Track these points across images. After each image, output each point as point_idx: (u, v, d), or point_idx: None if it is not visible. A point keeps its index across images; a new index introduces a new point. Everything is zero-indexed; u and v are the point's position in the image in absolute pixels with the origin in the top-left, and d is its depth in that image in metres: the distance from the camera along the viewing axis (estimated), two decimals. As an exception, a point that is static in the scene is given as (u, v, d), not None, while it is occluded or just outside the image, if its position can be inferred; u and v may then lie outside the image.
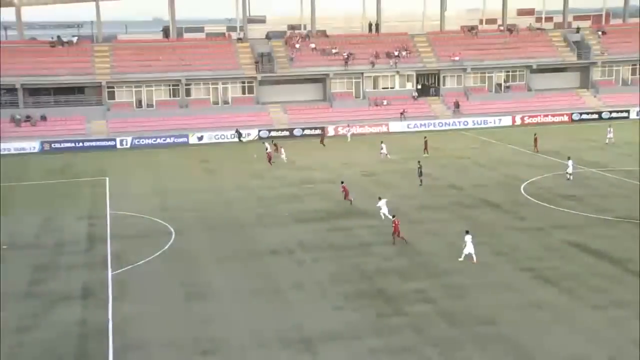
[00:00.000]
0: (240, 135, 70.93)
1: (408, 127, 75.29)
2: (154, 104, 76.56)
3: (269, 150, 59.66)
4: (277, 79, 79.34)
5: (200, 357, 25.42)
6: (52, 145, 68.50)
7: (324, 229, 40.30)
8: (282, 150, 59.69)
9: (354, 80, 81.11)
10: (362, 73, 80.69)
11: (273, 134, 71.99)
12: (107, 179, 54.88)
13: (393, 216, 38.35)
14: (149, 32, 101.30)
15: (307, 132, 72.94)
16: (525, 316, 27.95)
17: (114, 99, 75.50)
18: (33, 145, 68.20)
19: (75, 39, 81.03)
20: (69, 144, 68.81)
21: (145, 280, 33.00)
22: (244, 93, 78.74)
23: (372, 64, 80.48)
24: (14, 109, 72.54)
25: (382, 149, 60.13)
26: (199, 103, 77.25)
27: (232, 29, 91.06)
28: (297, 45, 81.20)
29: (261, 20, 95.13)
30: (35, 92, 74.12)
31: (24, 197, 50.25)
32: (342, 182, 46.51)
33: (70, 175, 57.40)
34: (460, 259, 34.00)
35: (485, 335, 26.39)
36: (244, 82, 78.49)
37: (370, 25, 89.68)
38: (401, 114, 76.77)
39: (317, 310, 29.13)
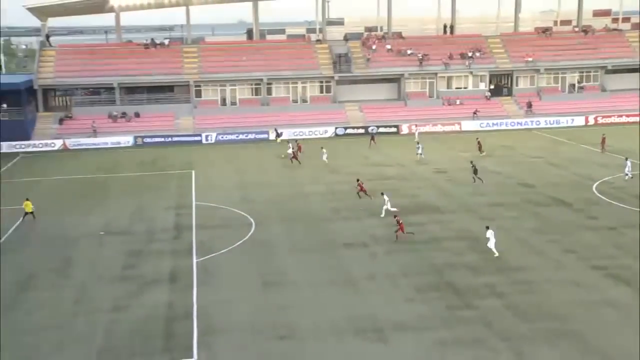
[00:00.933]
0: (278, 135, 70.74)
1: (480, 126, 73.91)
2: (237, 101, 77.68)
3: (291, 150, 58.38)
4: (353, 79, 79.24)
5: (277, 341, 25.68)
6: (144, 139, 70.19)
7: (396, 223, 40.02)
8: (324, 151, 57.99)
9: (428, 80, 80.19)
10: (436, 73, 79.69)
11: (349, 131, 71.96)
12: (193, 171, 55.90)
13: (395, 216, 37.83)
14: (234, 34, 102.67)
15: (381, 129, 72.65)
16: (596, 314, 27.07)
17: (200, 97, 76.99)
18: (127, 140, 70.08)
19: (167, 41, 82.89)
20: (159, 139, 70.41)
21: (227, 268, 33.56)
22: (321, 92, 78.99)
23: (446, 64, 79.42)
24: (111, 106, 74.88)
25: (418, 149, 58.21)
26: (279, 101, 77.93)
27: (311, 30, 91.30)
28: (374, 47, 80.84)
29: (339, 23, 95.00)
30: (130, 90, 76.30)
31: (118, 187, 51.59)
32: (358, 180, 46.03)
33: (160, 167, 58.68)
34: (495, 255, 33.39)
35: (555, 331, 25.69)
36: (322, 82, 78.72)
37: (444, 27, 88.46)
38: (474, 113, 75.52)
39: (388, 301, 28.99)
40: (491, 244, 33.84)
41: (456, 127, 73.79)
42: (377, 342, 25.46)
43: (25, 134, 69.36)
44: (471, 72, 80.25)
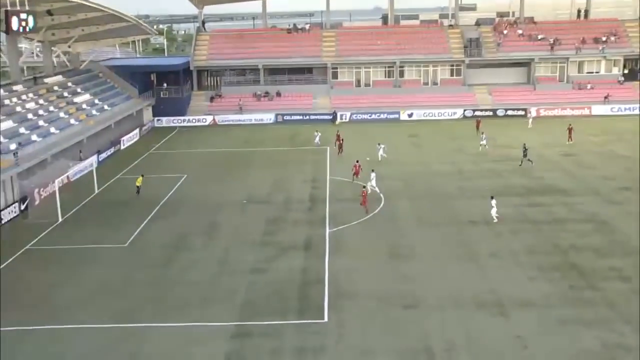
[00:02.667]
0: (335, 118, 69.64)
1: (611, 111, 69.51)
2: (371, 83, 77.43)
3: (317, 139, 55.98)
4: (483, 63, 76.74)
5: (402, 310, 25.63)
6: (284, 117, 71.61)
7: (522, 203, 38.67)
8: (381, 146, 51.94)
9: (558, 65, 76.18)
10: (568, 58, 75.47)
11: (477, 113, 69.96)
12: (328, 148, 56.52)
13: (363, 187, 39.53)
14: (370, 20, 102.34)
15: (509, 112, 70.08)
16: None
17: (336, 78, 77.40)
18: (269, 117, 71.53)
19: (307, 26, 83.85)
20: (297, 117, 71.37)
21: (356, 239, 33.75)
22: (452, 75, 77.16)
23: (578, 49, 75.07)
24: (256, 85, 77.00)
25: (482, 139, 53.90)
26: (411, 83, 76.92)
27: (444, 16, 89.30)
28: (505, 32, 77.83)
29: (471, 8, 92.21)
30: (273, 71, 78.01)
31: (260, 160, 52.89)
32: (357, 161, 44.90)
33: (298, 143, 59.42)
34: (494, 220, 34.91)
35: (683, 318, 23.94)
36: (452, 65, 76.84)
37: (579, 11, 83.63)
38: (605, 97, 71.06)
39: (511, 278, 28.11)
40: (493, 212, 35.26)
41: (586, 112, 69.81)
42: (498, 316, 24.80)
43: (182, 110, 72.74)
44: (604, 57, 75.44)
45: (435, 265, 29.97)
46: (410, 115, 70.85)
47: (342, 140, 54.53)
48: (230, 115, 71.64)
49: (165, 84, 74.55)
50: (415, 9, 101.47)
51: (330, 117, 70.50)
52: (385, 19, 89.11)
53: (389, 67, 77.09)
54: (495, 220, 35.16)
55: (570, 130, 55.79)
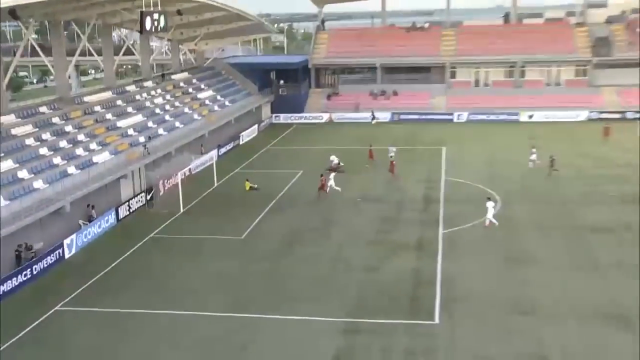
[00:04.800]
0: (374, 117, 68.64)
1: None
2: (490, 83, 75.37)
3: (335, 163, 48.66)
4: (612, 63, 72.63)
5: (517, 316, 24.71)
6: (400, 116, 71.28)
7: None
8: (534, 153, 47.31)
9: (697, 65, 70.92)
10: None
11: (603, 115, 66.33)
12: (444, 148, 55.49)
13: (321, 175, 40.95)
14: (491, 18, 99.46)
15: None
16: None
17: (454, 77, 75.94)
18: (385, 116, 71.34)
19: (426, 25, 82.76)
20: (414, 116, 70.61)
21: (470, 241, 32.91)
22: (577, 76, 73.54)
23: None
24: (373, 84, 76.96)
25: (532, 154, 47.61)
26: (532, 84, 74.06)
27: (571, 14, 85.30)
28: (638, 29, 73.24)
29: (602, 5, 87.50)
30: (390, 70, 77.54)
31: (374, 158, 52.79)
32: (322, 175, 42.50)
33: (413, 142, 58.33)
34: (485, 225, 34.29)
35: None
36: (577, 65, 73.34)
37: None
38: None
39: (636, 291, 26.44)
40: (490, 215, 34.65)
41: None
42: (622, 331, 23.35)
43: (299, 107, 73.75)
44: None
45: (553, 272, 28.69)
46: (530, 117, 68.26)
47: (372, 153, 50.12)
48: (347, 113, 72.05)
49: (282, 81, 76.22)
50: (539, 7, 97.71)
51: (370, 117, 69.61)
52: (507, 17, 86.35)
53: (509, 66, 74.64)
54: (487, 224, 34.48)
55: (607, 129, 52.11)
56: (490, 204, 35.14)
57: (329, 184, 41.90)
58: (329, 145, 57.96)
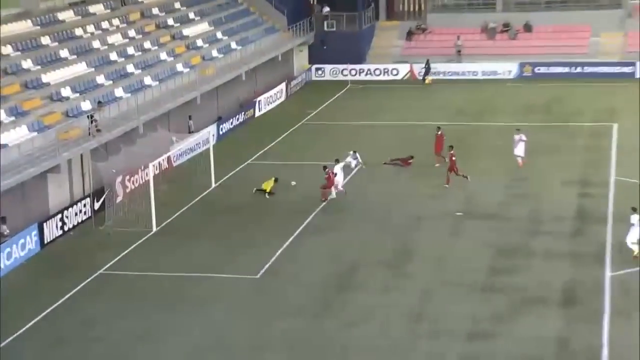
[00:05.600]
0: (427, 70, 71.59)
1: None
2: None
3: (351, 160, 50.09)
4: None
5: None
6: (535, 68, 71.85)
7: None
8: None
9: None
10: None
11: None
12: (615, 125, 55.48)
13: (324, 167, 43.80)
14: None
15: None
16: None
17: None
18: (509, 68, 72.64)
19: None
20: (560, 68, 71.56)
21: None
22: None
23: None
24: (488, 12, 77.20)
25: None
26: None
27: None
28: None
29: None
30: None
31: (485, 144, 53.98)
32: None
33: (557, 116, 59.78)
34: None
35: None
36: None
37: None
38: None
39: None
40: None
41: None
42: None
43: (357, 54, 74.05)
44: None
45: None
46: None
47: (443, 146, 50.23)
48: (441, 65, 72.02)
49: (327, 8, 76.08)
50: None
51: (423, 70, 71.36)
52: None
53: None
54: None
55: None
56: None
57: (336, 182, 43.62)
58: (406, 120, 58.09)
